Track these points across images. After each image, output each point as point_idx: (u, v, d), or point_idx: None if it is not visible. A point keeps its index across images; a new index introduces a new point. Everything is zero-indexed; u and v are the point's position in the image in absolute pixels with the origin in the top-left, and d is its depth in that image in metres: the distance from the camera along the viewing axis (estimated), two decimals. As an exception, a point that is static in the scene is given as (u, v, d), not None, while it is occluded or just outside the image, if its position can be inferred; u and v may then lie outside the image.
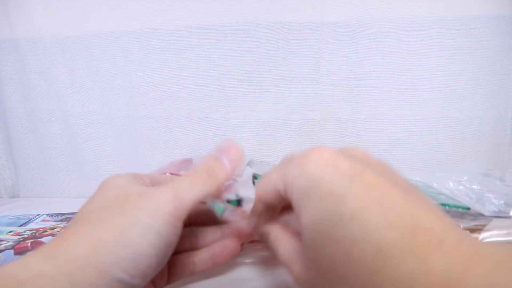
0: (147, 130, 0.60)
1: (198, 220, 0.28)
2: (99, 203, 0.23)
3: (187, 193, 0.23)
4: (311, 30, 0.55)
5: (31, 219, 0.48)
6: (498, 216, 0.37)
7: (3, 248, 0.38)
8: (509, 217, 0.38)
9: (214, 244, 0.27)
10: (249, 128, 0.59)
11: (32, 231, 0.43)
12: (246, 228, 0.27)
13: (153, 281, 0.25)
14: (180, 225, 0.23)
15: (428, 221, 0.17)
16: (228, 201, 0.28)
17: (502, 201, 0.39)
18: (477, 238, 0.32)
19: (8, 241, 0.40)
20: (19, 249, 0.38)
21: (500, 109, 0.55)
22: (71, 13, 0.58)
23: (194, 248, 0.27)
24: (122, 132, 0.62)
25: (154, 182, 0.27)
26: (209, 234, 0.28)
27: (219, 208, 0.27)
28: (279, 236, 0.24)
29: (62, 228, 0.44)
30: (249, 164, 0.58)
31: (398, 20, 0.54)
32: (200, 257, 0.27)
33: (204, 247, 0.27)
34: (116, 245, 0.20)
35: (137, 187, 0.24)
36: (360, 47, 0.55)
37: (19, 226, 0.46)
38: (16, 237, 0.41)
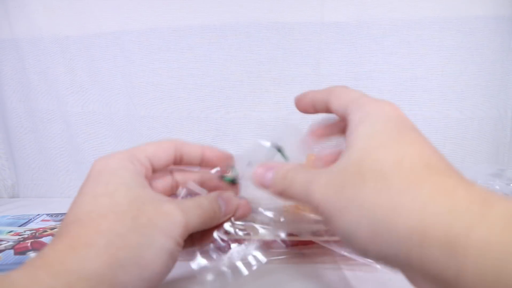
0: (147, 130, 0.60)
1: None
2: (108, 204, 0.21)
3: (194, 221, 0.24)
4: (311, 30, 0.55)
5: (31, 219, 0.48)
6: None
7: (3, 248, 0.38)
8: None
9: None
10: (249, 128, 0.59)
11: (32, 231, 0.43)
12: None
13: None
14: (182, 243, 0.23)
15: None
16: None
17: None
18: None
19: (8, 241, 0.40)
20: (19, 249, 0.38)
21: (500, 109, 0.55)
22: (71, 13, 0.58)
23: None
24: (122, 132, 0.62)
25: (151, 162, 0.26)
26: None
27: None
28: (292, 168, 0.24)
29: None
30: (249, 164, 0.58)
31: (398, 20, 0.54)
32: None
33: None
34: (133, 266, 0.19)
35: (147, 191, 0.24)
36: (360, 47, 0.55)
37: (19, 226, 0.46)
38: (16, 237, 0.41)
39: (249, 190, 0.31)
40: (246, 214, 0.29)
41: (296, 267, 0.33)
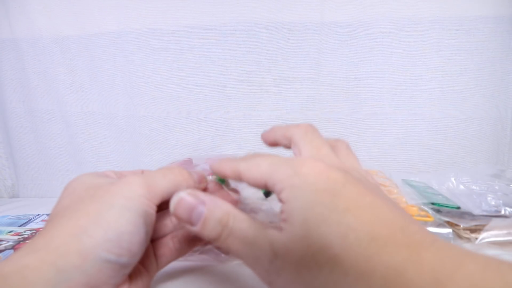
0: (147, 130, 0.60)
1: None
2: (70, 199, 0.23)
3: (159, 182, 0.24)
4: (311, 30, 0.55)
5: (31, 219, 0.48)
6: (489, 215, 0.37)
7: (3, 248, 0.38)
8: (504, 216, 0.37)
9: None
10: (249, 128, 0.59)
11: (32, 231, 0.43)
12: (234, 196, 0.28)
13: (145, 267, 0.26)
14: (154, 207, 0.23)
15: (417, 225, 0.18)
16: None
17: (501, 201, 0.39)
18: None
19: (8, 241, 0.40)
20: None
21: (500, 109, 0.55)
22: (71, 13, 0.58)
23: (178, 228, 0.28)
24: (122, 132, 0.62)
25: (121, 176, 0.27)
26: None
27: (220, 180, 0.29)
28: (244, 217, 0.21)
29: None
30: None
31: (398, 20, 0.54)
32: (185, 233, 0.27)
33: None
34: (95, 229, 0.21)
35: (105, 179, 0.25)
36: (360, 47, 0.55)
37: (19, 226, 0.46)
38: (16, 237, 0.41)
39: (248, 193, 0.31)
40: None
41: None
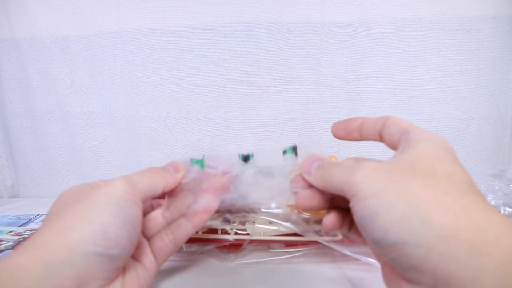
0: (147, 130, 0.60)
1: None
2: (56, 207, 0.24)
3: (138, 178, 0.25)
4: (311, 30, 0.55)
5: (31, 219, 0.48)
6: None
7: (3, 248, 0.38)
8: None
9: (189, 210, 0.29)
10: (249, 128, 0.59)
11: (32, 231, 0.43)
12: (224, 179, 0.29)
13: (142, 263, 0.27)
14: (138, 201, 0.24)
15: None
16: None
17: (501, 201, 0.39)
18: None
19: (8, 241, 0.40)
20: (19, 249, 0.38)
21: (500, 109, 0.55)
22: (71, 13, 0.58)
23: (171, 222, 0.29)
24: (122, 132, 0.62)
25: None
26: (181, 201, 0.29)
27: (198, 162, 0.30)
28: None
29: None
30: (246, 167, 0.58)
31: (398, 20, 0.54)
32: (177, 224, 0.29)
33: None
34: (80, 224, 0.21)
35: (88, 185, 0.26)
36: (360, 47, 0.55)
37: (19, 226, 0.46)
38: (16, 237, 0.41)
39: (250, 191, 0.31)
40: (226, 189, 0.29)
41: (296, 267, 0.33)
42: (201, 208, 0.28)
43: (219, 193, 0.29)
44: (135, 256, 0.26)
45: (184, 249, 0.35)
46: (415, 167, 0.18)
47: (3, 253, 0.37)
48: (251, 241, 0.35)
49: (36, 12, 0.58)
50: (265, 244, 0.36)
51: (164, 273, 0.32)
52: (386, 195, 0.18)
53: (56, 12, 0.58)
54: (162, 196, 0.29)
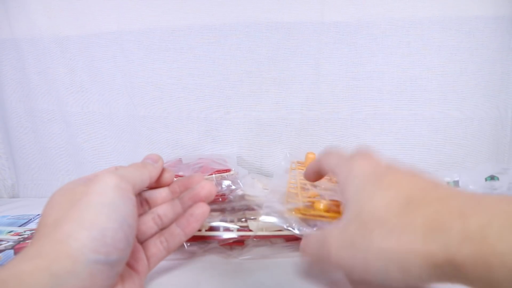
0: (147, 130, 0.60)
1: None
2: (53, 209, 0.24)
3: (128, 173, 0.26)
4: (311, 30, 0.55)
5: (31, 219, 0.48)
6: None
7: (3, 248, 0.38)
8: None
9: (180, 216, 0.30)
10: (249, 128, 0.59)
11: (32, 231, 0.43)
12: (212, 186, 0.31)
13: (135, 269, 0.27)
14: (131, 195, 0.25)
15: (446, 185, 0.22)
16: None
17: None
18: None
19: (8, 241, 0.40)
20: (19, 249, 0.38)
21: (500, 109, 0.55)
22: (71, 13, 0.58)
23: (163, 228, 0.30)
24: (122, 132, 0.62)
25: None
26: (171, 209, 0.31)
27: None
28: None
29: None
30: (238, 161, 0.58)
31: (398, 20, 0.54)
32: (170, 232, 0.30)
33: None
34: (79, 231, 0.22)
35: (78, 182, 0.26)
36: (360, 47, 0.55)
37: (19, 226, 0.46)
38: (16, 237, 0.41)
39: (250, 190, 0.31)
40: (211, 194, 0.31)
41: (295, 267, 0.33)
42: (205, 190, 0.30)
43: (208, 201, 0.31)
44: (131, 262, 0.27)
45: (186, 247, 0.35)
46: (365, 221, 0.22)
47: (3, 253, 0.37)
48: (255, 237, 0.35)
49: (36, 12, 0.58)
50: (267, 240, 0.37)
51: (165, 273, 0.32)
52: (362, 260, 0.21)
53: (56, 12, 0.58)
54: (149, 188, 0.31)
